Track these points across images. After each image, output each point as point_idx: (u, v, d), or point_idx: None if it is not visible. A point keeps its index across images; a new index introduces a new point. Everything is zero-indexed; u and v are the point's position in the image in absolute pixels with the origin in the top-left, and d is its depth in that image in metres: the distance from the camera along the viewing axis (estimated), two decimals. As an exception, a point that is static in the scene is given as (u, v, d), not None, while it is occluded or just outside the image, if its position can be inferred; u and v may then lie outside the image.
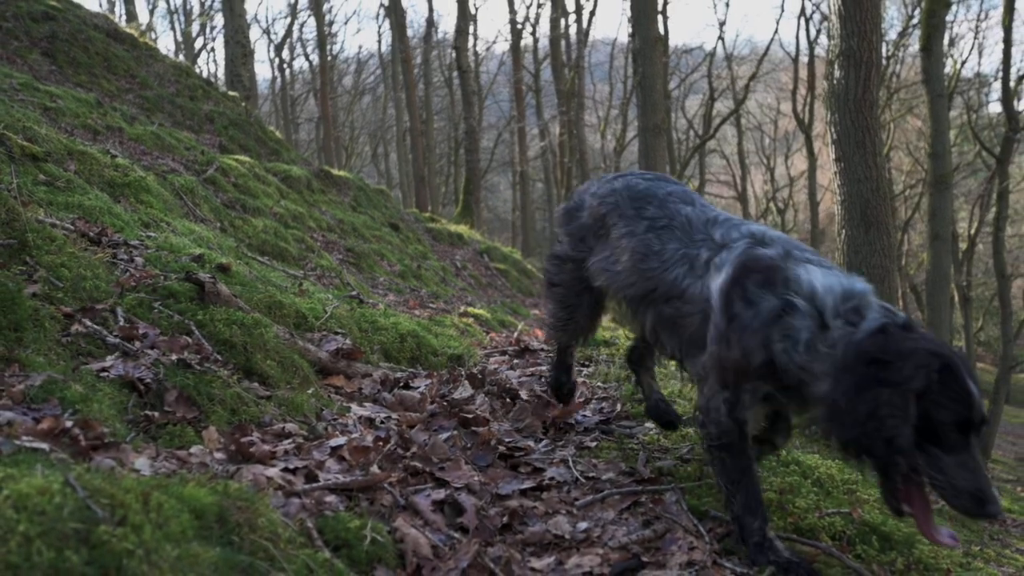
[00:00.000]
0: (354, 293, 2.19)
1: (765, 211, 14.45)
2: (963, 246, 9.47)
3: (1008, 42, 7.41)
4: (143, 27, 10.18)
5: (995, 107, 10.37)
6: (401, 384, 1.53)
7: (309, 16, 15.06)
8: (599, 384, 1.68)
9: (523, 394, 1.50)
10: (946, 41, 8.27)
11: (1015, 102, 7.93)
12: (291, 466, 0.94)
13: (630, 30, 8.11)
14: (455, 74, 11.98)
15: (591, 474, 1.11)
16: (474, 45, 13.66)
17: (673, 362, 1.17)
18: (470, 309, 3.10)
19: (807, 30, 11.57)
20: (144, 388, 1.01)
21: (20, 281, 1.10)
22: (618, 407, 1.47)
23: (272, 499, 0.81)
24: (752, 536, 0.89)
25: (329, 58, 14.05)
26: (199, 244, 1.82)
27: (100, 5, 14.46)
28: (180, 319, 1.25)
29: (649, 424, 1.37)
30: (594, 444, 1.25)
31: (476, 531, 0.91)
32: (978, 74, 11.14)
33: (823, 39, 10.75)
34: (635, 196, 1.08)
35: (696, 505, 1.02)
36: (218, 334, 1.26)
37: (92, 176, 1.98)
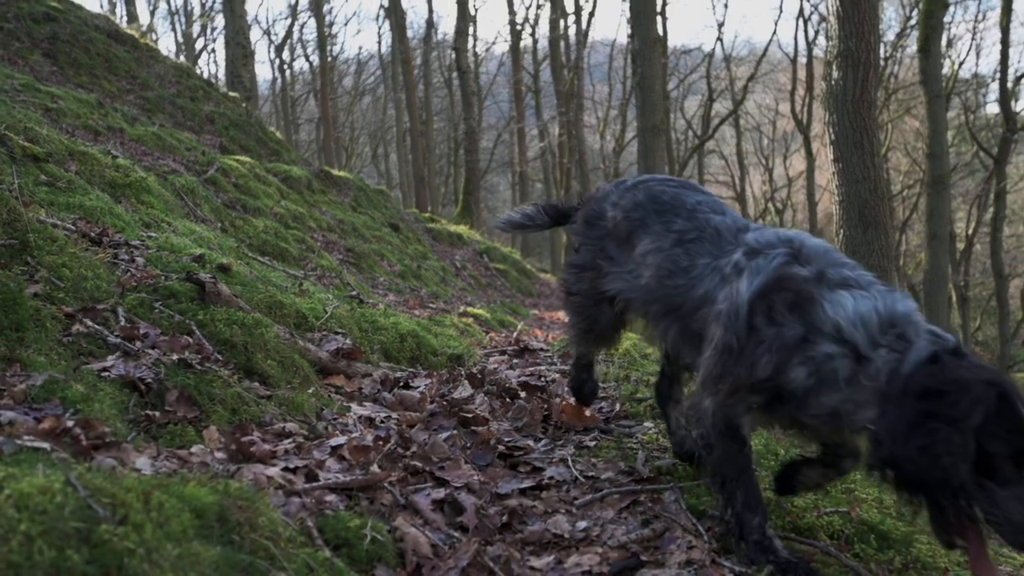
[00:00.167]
0: (354, 293, 2.20)
1: (764, 211, 14.47)
2: (961, 246, 9.48)
3: (1005, 43, 7.49)
4: (144, 28, 10.24)
5: (993, 108, 10.47)
6: (401, 384, 1.53)
7: (309, 17, 15.14)
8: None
9: (522, 393, 1.51)
10: (944, 42, 8.33)
11: (1012, 103, 7.98)
12: (291, 465, 0.94)
13: (629, 31, 8.12)
14: (455, 75, 11.99)
15: (590, 473, 1.12)
16: (474, 46, 13.74)
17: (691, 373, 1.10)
18: (470, 309, 3.11)
19: (805, 31, 11.71)
20: (145, 388, 1.02)
21: (21, 281, 1.11)
22: (617, 407, 1.47)
23: (272, 498, 0.81)
24: (752, 534, 0.88)
25: (329, 59, 14.09)
26: (200, 244, 1.82)
27: (101, 6, 14.53)
28: (181, 319, 1.26)
29: (648, 423, 1.37)
30: (593, 443, 1.26)
31: (476, 530, 0.91)
32: (976, 75, 11.22)
33: (821, 40, 10.87)
34: (662, 209, 1.03)
35: (695, 504, 1.02)
36: (219, 334, 1.27)
37: (93, 177, 1.99)
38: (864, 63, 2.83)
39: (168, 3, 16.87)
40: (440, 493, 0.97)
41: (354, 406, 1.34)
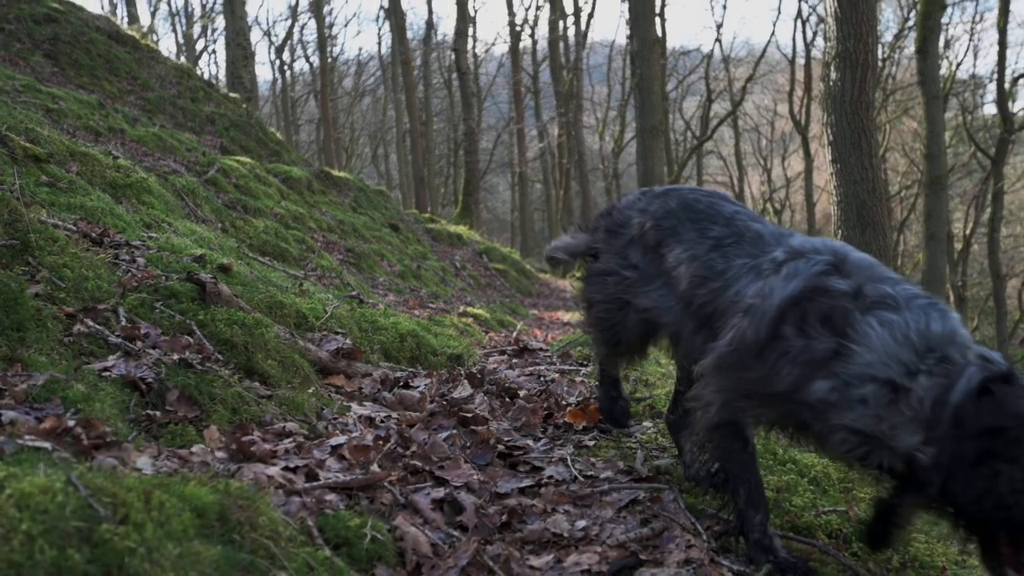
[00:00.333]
0: (354, 293, 2.20)
1: (762, 211, 14.50)
2: (958, 246, 9.46)
3: (1003, 44, 7.48)
4: (145, 29, 10.22)
5: (990, 109, 10.50)
6: (401, 383, 1.53)
7: (309, 18, 15.15)
8: (597, 383, 1.68)
9: (522, 393, 1.51)
10: (941, 43, 8.26)
11: (1010, 103, 7.94)
12: (292, 465, 0.94)
13: (628, 32, 8.13)
14: (454, 76, 11.98)
15: (589, 472, 1.12)
16: (473, 47, 13.70)
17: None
18: (469, 309, 3.12)
19: (803, 32, 11.51)
20: (146, 387, 1.02)
21: (23, 281, 1.11)
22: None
23: (273, 498, 0.82)
24: (753, 532, 0.86)
25: (329, 60, 14.08)
26: (200, 245, 1.83)
27: (102, 7, 14.49)
28: (181, 319, 1.26)
29: (647, 423, 1.38)
30: (592, 443, 1.26)
31: (475, 529, 0.91)
32: (973, 76, 11.23)
33: (819, 41, 10.86)
34: (697, 216, 0.97)
35: (693, 503, 1.03)
36: (219, 334, 1.27)
37: (94, 177, 1.99)
38: (862, 64, 2.84)
39: (169, 4, 17.00)
40: (440, 492, 0.97)
41: (354, 406, 1.34)
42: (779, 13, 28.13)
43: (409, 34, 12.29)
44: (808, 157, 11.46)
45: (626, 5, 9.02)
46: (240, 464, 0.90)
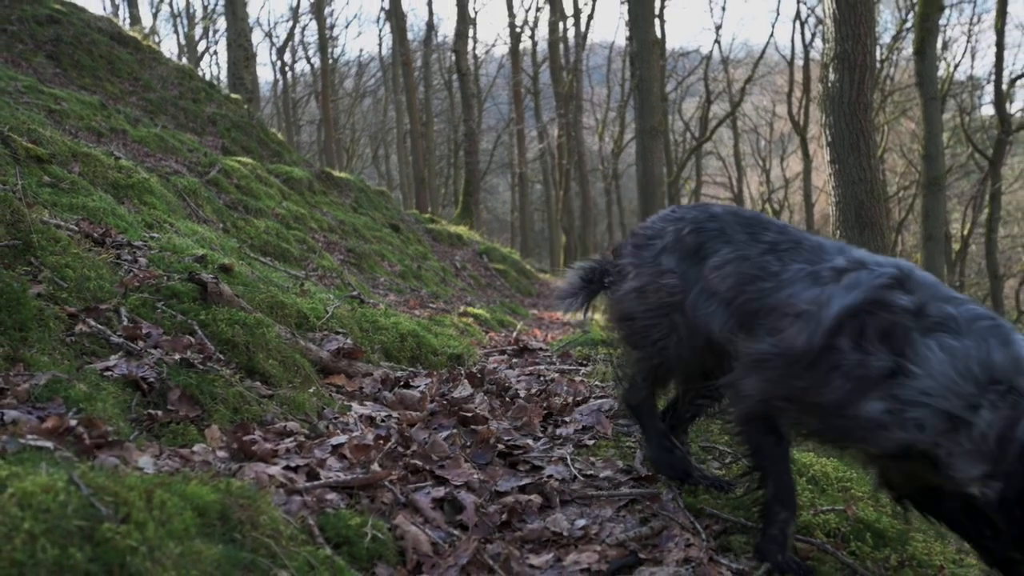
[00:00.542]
0: (355, 293, 2.20)
1: (761, 212, 14.36)
2: (956, 247, 9.48)
3: (1000, 46, 7.49)
4: (146, 30, 10.29)
5: (988, 110, 10.53)
6: (401, 383, 1.54)
7: (311, 20, 15.16)
8: (597, 383, 1.69)
9: (522, 393, 1.51)
10: (939, 44, 8.41)
11: (1007, 105, 7.94)
12: (293, 464, 0.94)
13: (628, 34, 8.12)
14: (455, 77, 12.01)
15: (589, 472, 1.12)
16: (473, 48, 13.73)
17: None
18: (470, 309, 3.13)
19: (802, 34, 11.56)
20: (147, 387, 1.02)
21: (25, 281, 1.11)
22: (616, 405, 1.48)
23: (274, 497, 0.82)
24: (773, 526, 0.83)
25: (330, 61, 14.11)
26: (202, 245, 1.83)
27: (104, 8, 14.49)
28: (183, 319, 1.26)
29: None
30: (592, 442, 1.26)
31: (475, 528, 0.92)
32: (971, 77, 11.27)
33: (818, 43, 10.88)
34: (747, 222, 0.94)
35: (692, 503, 1.03)
36: (220, 334, 1.27)
37: (96, 178, 2.00)
38: (860, 65, 2.84)
39: (171, 6, 16.96)
40: (440, 491, 0.97)
41: (355, 405, 1.35)
42: (778, 15, 28.61)
43: (410, 35, 12.34)
44: (807, 158, 11.49)
45: (626, 7, 9.08)
46: (241, 463, 0.90)
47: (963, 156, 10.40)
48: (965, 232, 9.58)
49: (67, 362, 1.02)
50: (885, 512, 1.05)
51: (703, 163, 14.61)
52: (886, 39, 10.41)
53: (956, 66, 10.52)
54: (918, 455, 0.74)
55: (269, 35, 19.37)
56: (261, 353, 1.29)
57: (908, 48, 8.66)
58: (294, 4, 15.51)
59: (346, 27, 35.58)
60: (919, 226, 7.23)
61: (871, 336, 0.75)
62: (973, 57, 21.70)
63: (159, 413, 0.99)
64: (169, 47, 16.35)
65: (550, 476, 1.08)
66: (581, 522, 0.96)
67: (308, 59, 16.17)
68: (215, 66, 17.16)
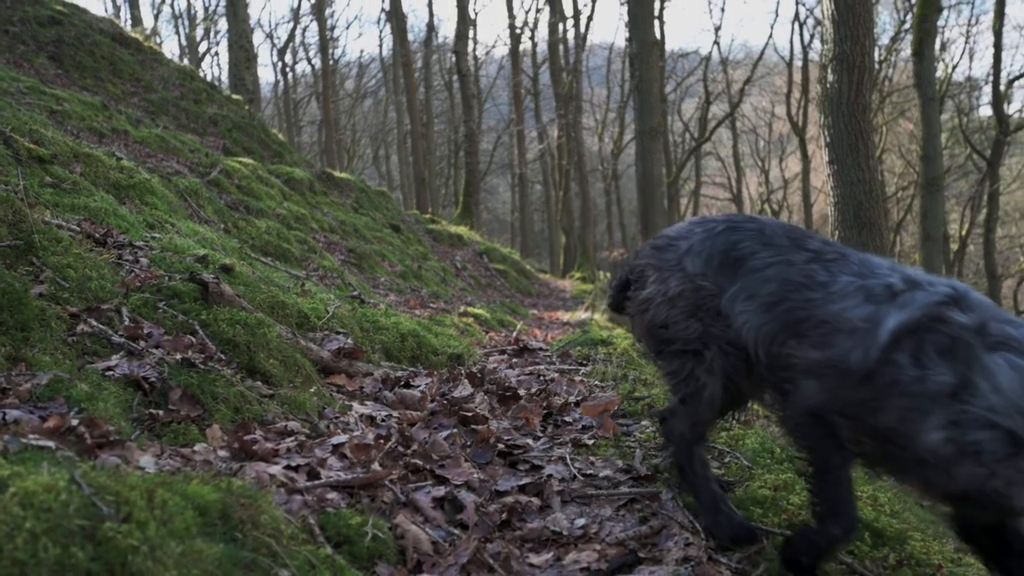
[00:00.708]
0: (356, 293, 2.21)
1: (760, 212, 14.54)
2: (954, 247, 9.49)
3: (998, 47, 7.47)
4: (148, 31, 10.26)
5: (986, 110, 10.50)
6: (402, 383, 1.54)
7: (312, 21, 15.19)
8: (596, 383, 1.69)
9: (521, 392, 1.51)
10: (937, 46, 8.38)
11: (1005, 105, 7.98)
12: (293, 464, 0.95)
13: (627, 35, 8.16)
14: (455, 78, 12.07)
15: (588, 471, 1.12)
16: (474, 49, 13.74)
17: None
18: (470, 309, 3.12)
19: (801, 35, 11.70)
20: (149, 387, 1.03)
21: (27, 281, 1.11)
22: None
23: (275, 496, 0.82)
24: (820, 538, 0.77)
25: (331, 62, 14.13)
26: (203, 245, 1.83)
27: (106, 10, 14.58)
28: (184, 319, 1.27)
29: (645, 422, 1.38)
30: (591, 442, 1.26)
31: (475, 527, 0.92)
32: (969, 78, 11.20)
33: (817, 44, 10.84)
34: (788, 231, 0.89)
35: (692, 502, 1.03)
36: (222, 334, 1.28)
37: (98, 178, 2.00)
38: (859, 66, 2.84)
39: (172, 7, 16.91)
40: (440, 491, 0.97)
41: (355, 405, 1.35)
42: (777, 16, 28.60)
43: (410, 36, 12.32)
44: (805, 158, 11.51)
45: (625, 8, 9.12)
46: (242, 463, 0.91)
47: (961, 157, 10.42)
48: (963, 232, 9.59)
49: (69, 362, 1.03)
50: (883, 512, 1.05)
51: (702, 164, 14.63)
52: (884, 40, 10.47)
53: (954, 67, 10.42)
54: (976, 494, 0.70)
55: (270, 36, 19.39)
56: (262, 353, 1.29)
57: (906, 49, 8.72)
58: (295, 5, 15.67)
59: (347, 28, 36.18)
60: (917, 226, 7.24)
61: (931, 352, 0.71)
62: (971, 58, 22.07)
63: (160, 413, 0.99)
64: (170, 48, 16.40)
65: (550, 476, 1.09)
66: (581, 521, 0.96)
67: (309, 60, 16.26)
68: (216, 67, 17.19)
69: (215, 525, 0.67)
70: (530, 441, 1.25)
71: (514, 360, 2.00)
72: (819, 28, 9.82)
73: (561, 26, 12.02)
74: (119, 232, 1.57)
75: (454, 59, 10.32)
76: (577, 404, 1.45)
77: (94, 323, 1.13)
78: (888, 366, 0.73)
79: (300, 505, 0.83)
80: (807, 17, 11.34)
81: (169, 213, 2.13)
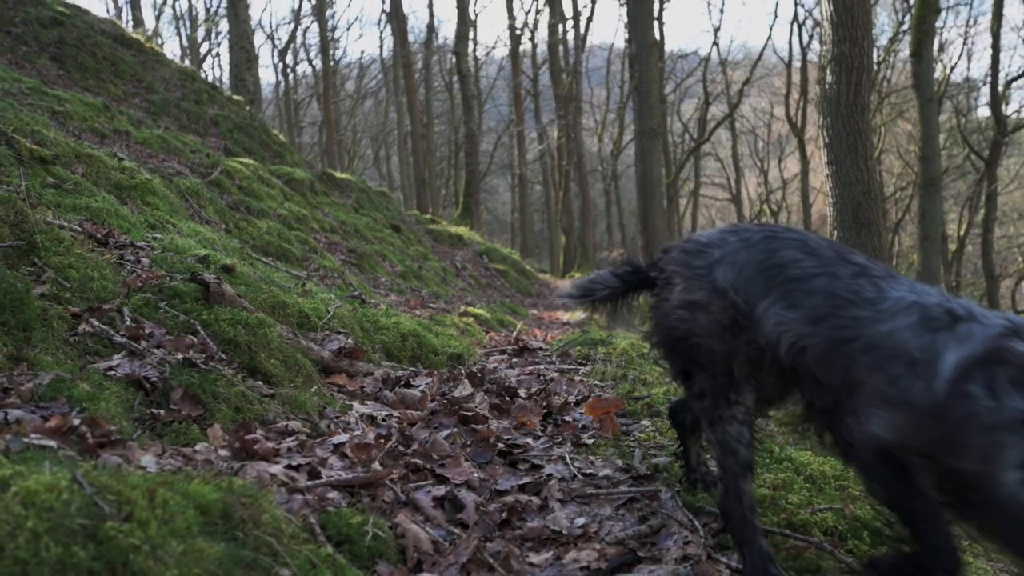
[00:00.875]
0: (356, 293, 2.21)
1: (759, 213, 14.55)
2: (952, 247, 9.50)
3: (996, 47, 7.51)
4: (149, 32, 10.29)
5: (984, 111, 10.41)
6: (402, 382, 1.54)
7: (312, 22, 15.18)
8: (596, 383, 1.69)
9: (521, 392, 1.52)
10: (936, 47, 8.30)
11: (1003, 106, 8.01)
12: (294, 463, 0.95)
13: (627, 36, 8.19)
14: (455, 79, 12.08)
15: (588, 471, 1.13)
16: (474, 50, 13.74)
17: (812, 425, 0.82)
18: (470, 309, 3.14)
19: (800, 36, 11.81)
20: (150, 387, 1.03)
21: (28, 281, 1.12)
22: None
23: (276, 495, 0.82)
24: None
25: (332, 63, 14.13)
26: (204, 245, 1.84)
27: (107, 11, 14.52)
28: (185, 319, 1.27)
29: (645, 421, 1.38)
30: (591, 441, 1.27)
31: (475, 527, 0.92)
32: (967, 79, 11.20)
33: (815, 45, 10.96)
34: (831, 245, 0.84)
35: (691, 501, 1.03)
36: (223, 334, 1.28)
37: (99, 178, 2.00)
38: (857, 67, 2.85)
39: (173, 8, 16.98)
40: (440, 490, 0.98)
41: (356, 404, 1.35)
42: (776, 17, 28.26)
43: (410, 37, 12.33)
44: (804, 159, 11.53)
45: (625, 9, 9.13)
46: (243, 462, 0.91)
47: (959, 157, 10.42)
48: (961, 233, 9.60)
49: (70, 362, 1.03)
50: (883, 511, 1.05)
51: (702, 164, 14.63)
52: (883, 41, 10.49)
53: (952, 68, 10.43)
54: None
55: (271, 37, 19.59)
56: (263, 353, 1.30)
57: (905, 50, 8.73)
58: (296, 6, 15.69)
59: (347, 29, 35.88)
60: (916, 227, 7.20)
61: (1003, 382, 0.67)
62: (969, 59, 21.67)
63: (162, 412, 1.00)
64: (172, 49, 16.39)
65: (550, 475, 1.09)
66: (580, 520, 0.96)
67: (310, 61, 16.28)
68: (217, 68, 17.17)
69: (216, 524, 0.67)
70: (530, 440, 1.26)
71: (514, 360, 2.01)
72: (818, 29, 9.82)
73: (561, 27, 12.08)
74: (121, 232, 1.58)
75: (454, 60, 10.34)
76: (577, 404, 1.45)
77: (96, 323, 1.14)
78: (961, 398, 0.69)
79: (301, 504, 0.84)
80: (806, 18, 11.41)
81: (170, 213, 2.13)
